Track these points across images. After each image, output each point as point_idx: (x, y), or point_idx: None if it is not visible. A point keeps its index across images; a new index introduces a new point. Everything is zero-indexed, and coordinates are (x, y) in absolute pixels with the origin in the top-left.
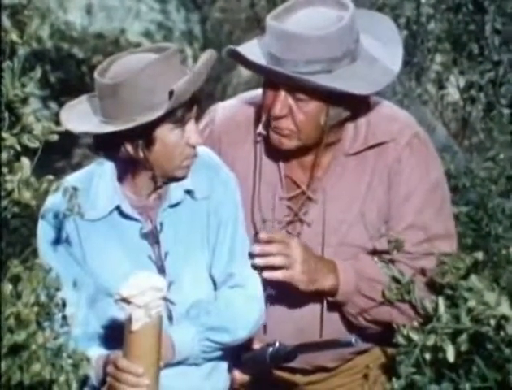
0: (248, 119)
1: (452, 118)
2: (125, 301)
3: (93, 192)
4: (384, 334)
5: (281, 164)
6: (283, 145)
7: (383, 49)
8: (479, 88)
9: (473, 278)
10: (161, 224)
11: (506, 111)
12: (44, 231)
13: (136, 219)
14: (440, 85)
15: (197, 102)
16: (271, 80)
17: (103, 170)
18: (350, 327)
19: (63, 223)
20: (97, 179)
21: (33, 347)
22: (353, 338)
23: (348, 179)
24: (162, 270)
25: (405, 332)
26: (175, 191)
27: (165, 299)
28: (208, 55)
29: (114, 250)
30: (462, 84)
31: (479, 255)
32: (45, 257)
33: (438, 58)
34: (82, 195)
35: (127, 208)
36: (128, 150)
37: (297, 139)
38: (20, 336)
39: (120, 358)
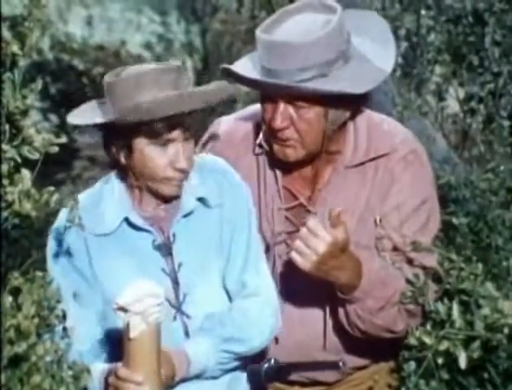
0: (249, 132)
1: (452, 129)
2: (122, 309)
3: (102, 207)
4: (381, 350)
5: (279, 175)
6: (289, 157)
7: (375, 48)
8: (479, 100)
9: (489, 285)
10: (174, 235)
11: (506, 123)
12: (52, 248)
13: (147, 231)
14: (440, 97)
15: (181, 127)
16: (268, 93)
17: (112, 184)
18: (350, 344)
19: (71, 239)
20: (106, 194)
21: (33, 359)
22: (340, 362)
23: (348, 191)
24: (175, 282)
25: (417, 334)
26: (188, 200)
27: (181, 312)
28: (213, 86)
29: (126, 265)
30: (461, 95)
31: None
32: (52, 273)
33: (438, 69)
34: (92, 211)
35: (136, 219)
36: (112, 153)
37: (302, 148)
38: (20, 348)
39: (120, 368)
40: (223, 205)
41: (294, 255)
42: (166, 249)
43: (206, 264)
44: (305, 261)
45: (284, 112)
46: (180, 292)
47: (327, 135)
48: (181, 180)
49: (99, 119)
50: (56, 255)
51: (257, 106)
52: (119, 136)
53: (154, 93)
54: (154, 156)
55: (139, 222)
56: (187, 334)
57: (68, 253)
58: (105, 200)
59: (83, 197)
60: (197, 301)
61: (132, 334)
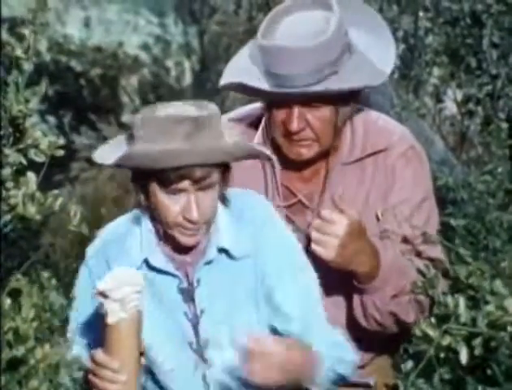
0: (244, 132)
1: (450, 131)
2: (102, 294)
3: (128, 240)
4: (379, 348)
5: (278, 173)
6: (303, 156)
7: (371, 40)
8: (477, 102)
9: (498, 282)
10: (198, 281)
11: (504, 125)
12: (81, 279)
13: (170, 274)
14: (438, 99)
15: (190, 178)
16: (282, 99)
17: (139, 222)
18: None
19: (96, 272)
20: (135, 228)
21: (32, 362)
22: (371, 381)
23: (346, 188)
24: (196, 328)
25: (423, 326)
26: (210, 248)
27: (202, 358)
28: (230, 142)
29: (147, 305)
30: (459, 97)
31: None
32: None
33: (436, 71)
34: (118, 242)
35: (157, 262)
36: (135, 191)
37: (318, 146)
38: (19, 352)
39: (98, 353)
40: (256, 255)
41: (315, 246)
42: (188, 295)
43: (232, 313)
44: (327, 249)
45: (299, 115)
46: (201, 338)
47: (337, 130)
48: (195, 230)
49: (111, 160)
50: (81, 288)
51: (252, 106)
52: (137, 177)
53: (160, 143)
54: (166, 202)
55: (161, 264)
56: (204, 378)
57: (90, 287)
58: (132, 233)
59: (110, 229)
60: (222, 347)
61: (110, 320)
